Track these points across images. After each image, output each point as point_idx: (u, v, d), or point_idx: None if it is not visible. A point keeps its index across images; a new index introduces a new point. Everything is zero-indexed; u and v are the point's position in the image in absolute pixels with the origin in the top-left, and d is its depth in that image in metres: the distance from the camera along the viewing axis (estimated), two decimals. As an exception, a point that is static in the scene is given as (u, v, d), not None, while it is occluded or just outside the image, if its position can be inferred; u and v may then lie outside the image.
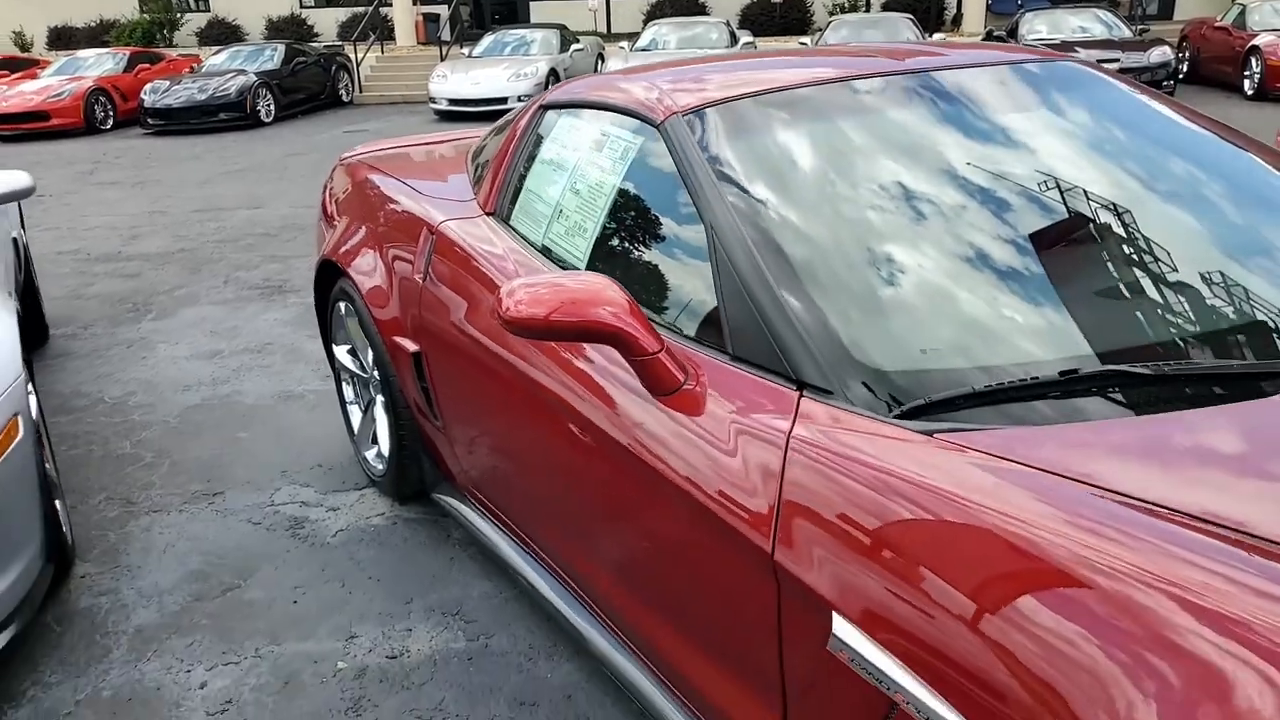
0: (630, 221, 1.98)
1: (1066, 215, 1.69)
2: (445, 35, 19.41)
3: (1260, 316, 1.51)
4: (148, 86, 14.93)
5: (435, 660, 2.28)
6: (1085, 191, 1.74)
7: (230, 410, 3.87)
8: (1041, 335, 1.46)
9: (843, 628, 1.22)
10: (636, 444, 1.64)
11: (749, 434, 1.44)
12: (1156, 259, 1.60)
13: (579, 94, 2.37)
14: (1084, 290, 1.54)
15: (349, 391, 3.23)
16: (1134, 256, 1.61)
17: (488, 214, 2.49)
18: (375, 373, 2.87)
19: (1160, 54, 12.63)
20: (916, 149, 1.84)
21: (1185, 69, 14.75)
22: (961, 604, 1.10)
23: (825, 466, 1.31)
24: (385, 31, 19.81)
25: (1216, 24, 14.22)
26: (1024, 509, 1.12)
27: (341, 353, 3.17)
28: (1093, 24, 14.33)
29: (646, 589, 1.75)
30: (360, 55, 18.11)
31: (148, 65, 17.02)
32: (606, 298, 1.58)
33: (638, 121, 2.04)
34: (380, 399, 2.95)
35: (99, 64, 16.49)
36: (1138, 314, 1.50)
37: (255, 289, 5.75)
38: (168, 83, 14.91)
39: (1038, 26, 14.44)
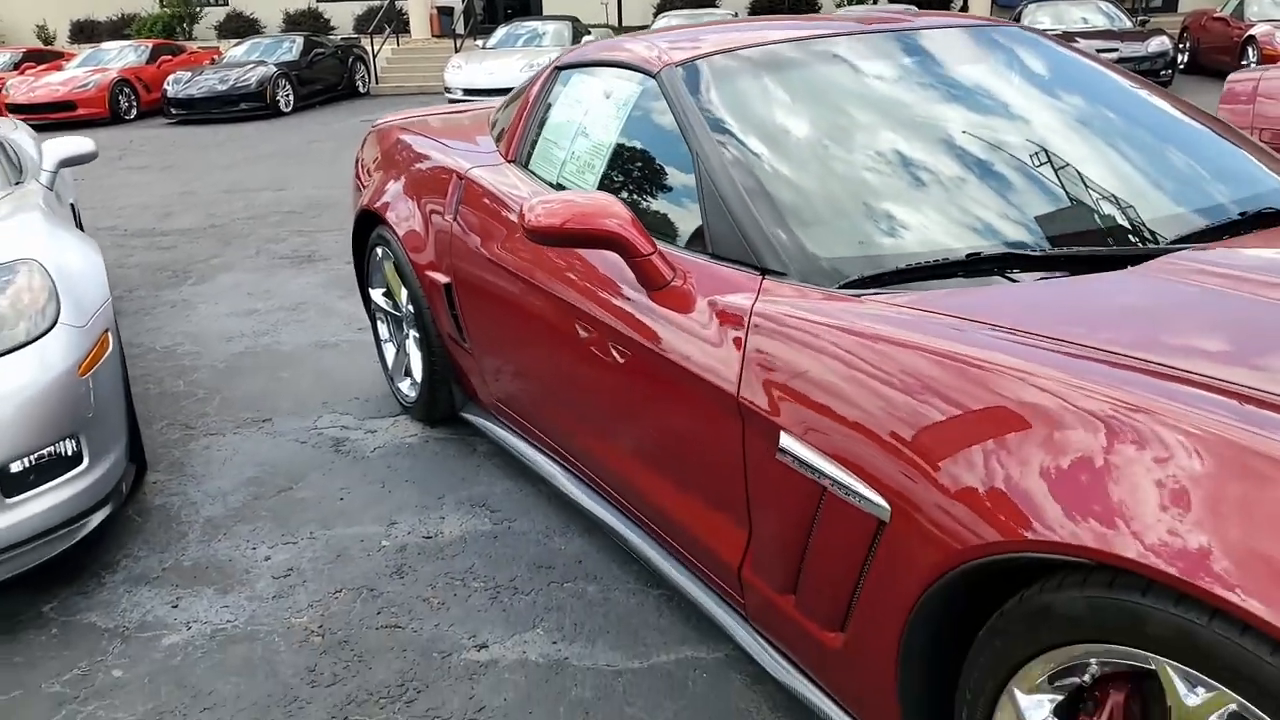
0: (631, 156, 2.36)
1: (983, 137, 2.05)
2: (459, 28, 19.82)
3: (1126, 216, 1.88)
4: (170, 77, 15.37)
5: (465, 539, 2.66)
6: (1002, 118, 2.11)
7: (271, 356, 4.26)
8: (957, 230, 1.83)
9: (786, 440, 1.60)
10: (636, 333, 2.01)
11: (723, 310, 1.82)
12: (1050, 172, 1.97)
13: (588, 55, 2.74)
14: (993, 194, 1.91)
15: (383, 330, 3.62)
16: (1033, 170, 1.98)
17: (509, 161, 2.86)
18: (409, 308, 3.25)
19: (1158, 44, 12.94)
20: (864, 92, 2.21)
21: (1186, 59, 15.02)
22: (867, 406, 1.47)
23: (777, 324, 1.68)
24: (400, 24, 20.24)
25: (1216, 15, 14.49)
26: (918, 340, 1.48)
27: (377, 295, 3.56)
28: (1094, 15, 14.61)
29: (644, 454, 2.12)
30: (376, 47, 18.54)
31: (170, 57, 17.48)
32: (611, 210, 1.95)
33: (638, 74, 2.42)
34: (413, 334, 3.33)
35: (122, 56, 16.95)
36: (1033, 213, 1.87)
37: (285, 258, 6.14)
38: (190, 74, 15.34)
39: (1040, 17, 14.71)
